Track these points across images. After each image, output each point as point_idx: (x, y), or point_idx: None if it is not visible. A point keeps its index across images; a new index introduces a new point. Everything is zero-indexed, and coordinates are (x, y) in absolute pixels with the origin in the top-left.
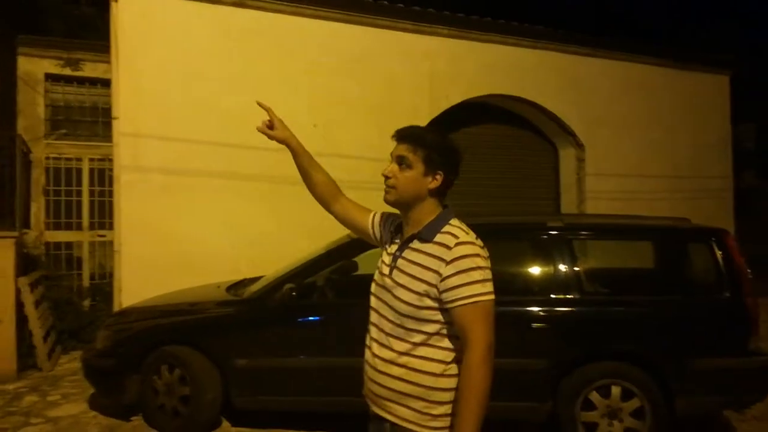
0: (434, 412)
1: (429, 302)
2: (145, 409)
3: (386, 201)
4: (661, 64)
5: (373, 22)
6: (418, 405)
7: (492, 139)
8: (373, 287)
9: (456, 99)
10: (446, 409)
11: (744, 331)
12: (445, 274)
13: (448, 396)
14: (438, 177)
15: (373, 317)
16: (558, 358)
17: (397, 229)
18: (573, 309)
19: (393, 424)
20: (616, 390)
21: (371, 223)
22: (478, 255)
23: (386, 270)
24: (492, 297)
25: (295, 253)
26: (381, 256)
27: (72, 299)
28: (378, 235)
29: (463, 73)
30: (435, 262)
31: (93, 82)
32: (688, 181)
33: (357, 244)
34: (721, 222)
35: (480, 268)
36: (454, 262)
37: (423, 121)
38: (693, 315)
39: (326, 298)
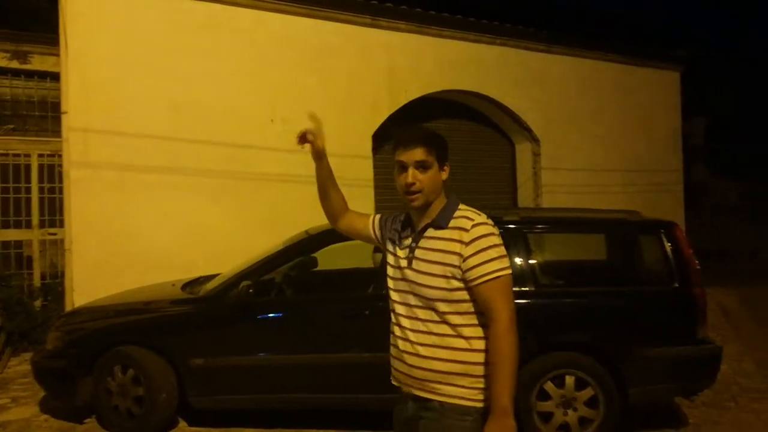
0: (480, 385)
1: (456, 284)
2: (99, 410)
3: (415, 207)
4: (615, 60)
5: (331, 17)
6: (466, 381)
7: (450, 134)
8: (391, 283)
9: (415, 94)
10: (485, 381)
11: (692, 320)
12: (465, 255)
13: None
14: (446, 169)
15: (400, 309)
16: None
17: (405, 225)
18: (528, 301)
19: (442, 403)
20: (570, 380)
21: (372, 226)
22: (492, 234)
23: (404, 263)
24: (509, 271)
25: (252, 249)
26: (391, 252)
27: (22, 299)
28: (379, 235)
29: (422, 68)
30: (455, 245)
31: (42, 75)
32: (641, 175)
33: (315, 240)
34: (672, 214)
35: (496, 245)
36: (473, 242)
37: (383, 116)
38: (644, 305)
39: (285, 294)
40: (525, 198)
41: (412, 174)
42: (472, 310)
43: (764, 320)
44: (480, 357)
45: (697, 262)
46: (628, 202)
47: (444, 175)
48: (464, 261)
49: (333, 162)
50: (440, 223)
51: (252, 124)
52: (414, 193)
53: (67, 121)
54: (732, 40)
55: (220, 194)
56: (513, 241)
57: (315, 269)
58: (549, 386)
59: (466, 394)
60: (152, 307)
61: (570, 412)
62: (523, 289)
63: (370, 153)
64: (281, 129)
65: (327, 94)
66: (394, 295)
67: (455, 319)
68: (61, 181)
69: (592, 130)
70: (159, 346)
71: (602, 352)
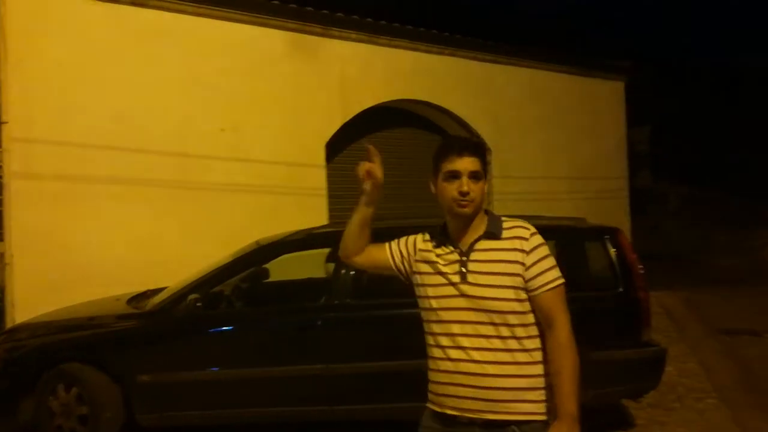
0: (544, 398)
1: (522, 294)
2: (41, 431)
3: (465, 215)
4: (563, 71)
5: (282, 26)
6: (534, 395)
7: (404, 143)
8: (437, 303)
9: (368, 103)
10: (546, 394)
11: (637, 323)
12: (528, 264)
13: (547, 380)
14: (487, 181)
15: (456, 328)
16: None
17: (440, 242)
18: None
19: (520, 423)
20: None
21: (390, 255)
22: (546, 243)
23: (456, 278)
24: (563, 279)
25: (202, 261)
26: (430, 272)
27: None
28: (399, 259)
29: (373, 77)
30: (516, 254)
31: None
32: (589, 182)
33: (267, 251)
34: (618, 220)
35: (550, 254)
36: (534, 251)
37: (336, 125)
38: (591, 310)
39: (235, 307)
40: None
41: (467, 184)
42: (533, 321)
43: (707, 321)
44: (541, 369)
45: (641, 266)
46: (576, 208)
47: (486, 186)
48: (527, 270)
49: (285, 171)
50: (495, 235)
51: (201, 133)
52: (468, 201)
53: (7, 131)
54: (674, 51)
55: (168, 205)
56: None
57: (267, 280)
58: None
59: (536, 408)
60: (96, 323)
61: None
62: None
63: (323, 162)
64: (232, 138)
65: (278, 103)
66: (443, 315)
67: (520, 332)
68: (1, 192)
69: (540, 138)
70: (104, 363)
71: None
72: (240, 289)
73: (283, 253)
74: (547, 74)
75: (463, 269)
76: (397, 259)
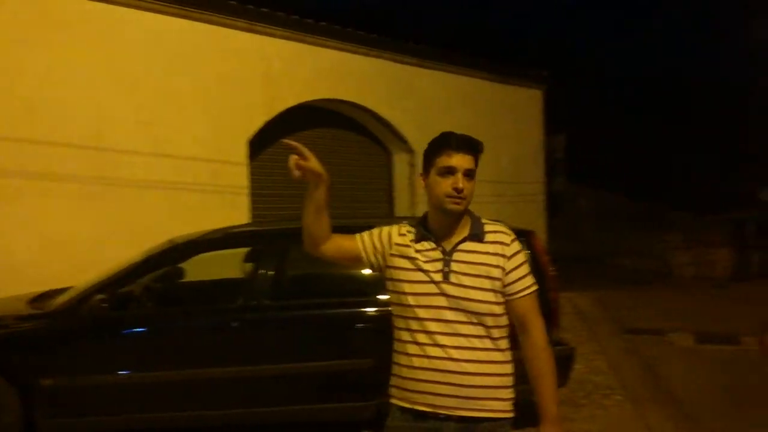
0: (513, 395)
1: (500, 297)
2: None
3: (457, 212)
4: (486, 77)
5: (205, 18)
6: (506, 393)
7: (329, 142)
8: (415, 300)
9: (292, 101)
10: (514, 392)
11: (547, 323)
12: (508, 269)
13: (514, 380)
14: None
15: (434, 326)
16: (385, 356)
17: (419, 238)
18: None
19: (493, 420)
20: None
21: (362, 246)
22: (524, 249)
23: (437, 277)
24: (537, 285)
25: (116, 260)
26: (408, 268)
27: None
28: (372, 251)
29: (298, 75)
30: (497, 258)
31: None
32: (509, 186)
33: (181, 250)
34: (536, 223)
35: (527, 261)
36: (514, 257)
37: (259, 122)
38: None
39: (146, 307)
40: (401, 207)
41: (462, 181)
42: (506, 323)
43: (616, 320)
44: (511, 368)
45: (552, 268)
46: (498, 211)
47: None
48: (506, 274)
49: (205, 168)
50: (479, 237)
51: (117, 127)
52: (461, 198)
53: None
54: (588, 63)
55: (81, 201)
56: None
57: (181, 280)
58: None
59: (506, 406)
60: None
61: None
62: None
63: (246, 159)
64: (150, 132)
65: (199, 98)
66: (421, 312)
67: (495, 333)
68: None
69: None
70: (2, 366)
71: None
72: (152, 289)
73: (199, 253)
74: (471, 80)
75: (446, 269)
76: (369, 251)
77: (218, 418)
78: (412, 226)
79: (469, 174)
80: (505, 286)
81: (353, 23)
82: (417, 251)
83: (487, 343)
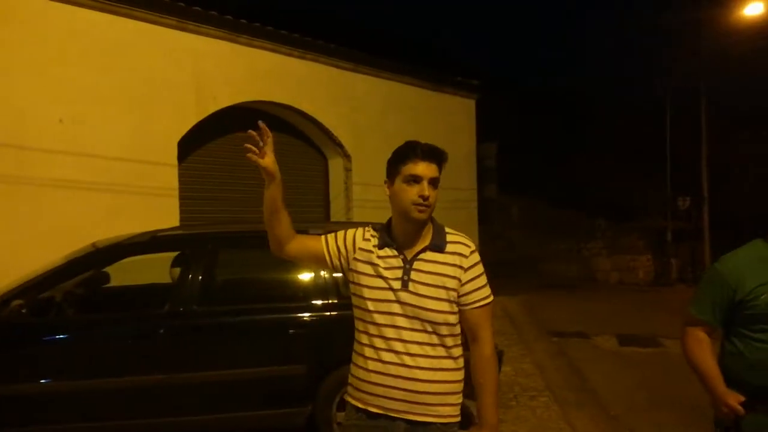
0: (460, 401)
1: (455, 307)
2: None
3: (422, 219)
4: (420, 85)
5: (133, 14)
6: (454, 399)
7: None
8: (376, 305)
9: (224, 102)
10: (461, 398)
11: None
12: (464, 280)
13: (463, 388)
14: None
15: (390, 332)
16: (319, 362)
17: (382, 244)
18: (331, 313)
19: (442, 425)
20: None
21: (326, 248)
22: (481, 261)
23: (396, 285)
24: (492, 297)
25: (32, 264)
26: (369, 274)
27: None
28: (335, 254)
29: (232, 76)
30: (454, 269)
31: None
32: (442, 193)
33: (105, 254)
34: (468, 229)
35: (484, 272)
36: (471, 269)
37: (190, 123)
38: None
39: (68, 314)
40: (337, 212)
41: (428, 189)
42: (459, 331)
43: (543, 323)
44: (462, 375)
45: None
46: (436, 217)
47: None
48: (462, 285)
49: (132, 168)
50: (440, 247)
51: (37, 124)
52: (426, 206)
53: None
54: (518, 74)
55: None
56: None
57: (106, 285)
58: None
59: (454, 411)
60: None
61: None
62: (326, 301)
63: (175, 161)
64: (73, 131)
65: (126, 96)
66: (379, 318)
67: (449, 341)
68: None
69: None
70: None
71: None
72: (74, 294)
73: (124, 257)
74: (405, 87)
75: (405, 277)
76: (333, 254)
77: (144, 429)
78: (376, 231)
79: (434, 182)
80: (460, 296)
81: (288, 25)
82: (379, 257)
83: (440, 351)
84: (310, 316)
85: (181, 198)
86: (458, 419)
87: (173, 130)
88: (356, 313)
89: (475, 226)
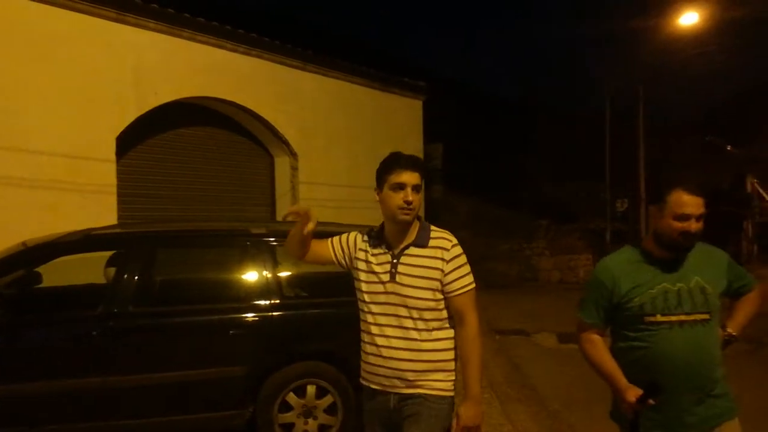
0: (451, 378)
1: (439, 295)
2: None
3: (406, 221)
4: (367, 85)
5: (68, 5)
6: (441, 376)
7: (208, 142)
8: (368, 297)
9: (166, 97)
10: (454, 374)
11: None
12: (446, 271)
13: (455, 364)
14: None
15: (382, 320)
16: (260, 363)
17: (375, 243)
18: (273, 314)
19: (424, 395)
20: (311, 389)
21: (333, 250)
22: (464, 253)
23: (385, 278)
24: (474, 284)
25: None
26: (364, 270)
27: None
28: (341, 255)
29: (174, 71)
30: (437, 262)
31: None
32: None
33: (36, 253)
34: None
35: (467, 263)
36: (453, 260)
37: (129, 117)
38: None
39: None
40: (283, 211)
41: (411, 194)
42: (445, 316)
43: (486, 321)
44: (450, 355)
45: None
46: (378, 217)
47: (422, 199)
48: (445, 275)
49: (68, 164)
50: (422, 243)
51: None
52: (410, 210)
53: None
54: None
55: None
56: (259, 254)
57: (38, 286)
58: (291, 397)
59: (443, 386)
60: None
61: (310, 420)
62: (269, 302)
63: (113, 156)
64: (3, 123)
65: (60, 88)
66: (373, 307)
67: (434, 325)
68: None
69: (347, 148)
70: None
71: (343, 360)
72: (4, 295)
73: (57, 256)
74: (353, 87)
75: (393, 270)
76: (339, 255)
77: None
78: (371, 233)
79: (417, 188)
80: (444, 285)
81: (234, 21)
82: (372, 255)
83: (425, 335)
84: (251, 317)
85: (120, 195)
86: (448, 394)
87: (111, 125)
88: (359, 305)
89: None
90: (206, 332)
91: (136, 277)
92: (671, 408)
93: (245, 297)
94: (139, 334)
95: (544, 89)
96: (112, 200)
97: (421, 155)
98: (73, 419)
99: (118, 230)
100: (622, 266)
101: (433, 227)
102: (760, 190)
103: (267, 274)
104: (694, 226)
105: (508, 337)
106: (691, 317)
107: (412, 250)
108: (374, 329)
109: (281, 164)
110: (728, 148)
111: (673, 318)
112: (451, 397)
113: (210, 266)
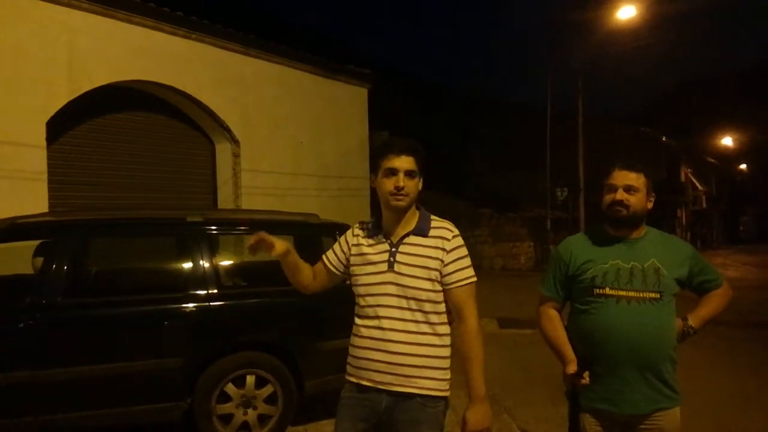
0: (447, 377)
1: (438, 286)
2: None
3: (400, 207)
4: (313, 72)
5: None
6: (437, 374)
7: (145, 128)
8: (367, 288)
9: (101, 81)
10: (449, 373)
11: None
12: (446, 261)
13: (450, 363)
14: (421, 180)
15: (380, 311)
16: (197, 354)
17: (372, 233)
18: (211, 304)
19: (423, 397)
20: (250, 379)
21: (328, 265)
22: (464, 245)
23: (383, 267)
24: (475, 278)
25: None
26: (361, 263)
27: None
28: (338, 263)
29: (109, 54)
30: (437, 251)
31: None
32: (334, 180)
33: None
34: (360, 216)
35: (467, 255)
36: (454, 251)
37: (61, 101)
38: (320, 302)
39: None
40: (225, 199)
41: (402, 179)
42: (443, 310)
43: None
44: (448, 351)
45: None
46: (321, 205)
47: (420, 185)
48: (445, 266)
49: None
50: (423, 232)
51: None
52: (403, 195)
53: None
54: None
55: None
56: (196, 243)
57: None
58: (230, 388)
59: (438, 385)
60: None
61: (250, 411)
62: (206, 292)
63: (43, 142)
64: None
65: None
66: (369, 299)
67: (434, 318)
68: None
69: (291, 135)
70: None
71: (283, 350)
72: None
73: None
74: (297, 73)
75: (392, 259)
76: (336, 265)
77: (9, 427)
78: (365, 224)
79: (410, 174)
80: (443, 276)
81: (171, 3)
82: (369, 245)
83: (423, 327)
84: (188, 308)
85: (51, 182)
86: (444, 394)
87: (41, 108)
88: (356, 299)
89: (368, 213)
90: (140, 323)
91: (65, 267)
92: (614, 381)
93: (182, 287)
94: (70, 326)
95: (487, 80)
96: (43, 187)
97: (366, 143)
98: (2, 415)
99: (47, 218)
100: (581, 243)
101: (434, 217)
102: (694, 180)
103: (204, 263)
104: (620, 195)
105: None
106: (641, 294)
107: (412, 239)
108: (370, 321)
109: (222, 151)
110: (663, 139)
111: (622, 293)
112: (445, 397)
113: (145, 256)
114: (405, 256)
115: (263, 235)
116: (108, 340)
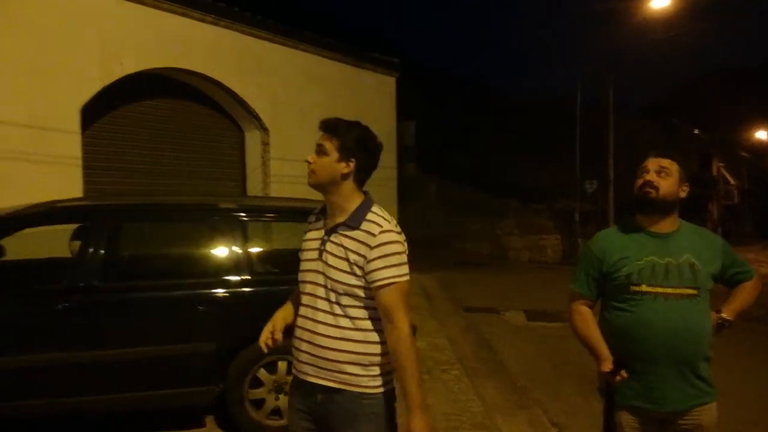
0: (373, 372)
1: (358, 282)
2: None
3: (309, 183)
4: (340, 60)
5: None
6: (359, 370)
7: (175, 115)
8: (303, 275)
9: (132, 68)
10: (380, 369)
11: None
12: (369, 258)
13: (383, 359)
14: (351, 164)
15: (307, 300)
16: (230, 339)
17: (319, 217)
18: (245, 290)
19: (353, 393)
20: (282, 365)
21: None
22: (397, 242)
23: (314, 255)
24: (408, 278)
25: None
26: (305, 240)
27: None
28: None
29: (140, 40)
30: (362, 246)
31: None
32: None
33: (2, 224)
34: (389, 207)
35: (398, 253)
36: (378, 247)
37: (94, 88)
38: None
39: None
40: (254, 186)
41: (311, 154)
42: (371, 305)
43: (456, 300)
44: (374, 348)
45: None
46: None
47: (345, 169)
48: (367, 263)
49: (27, 135)
50: (353, 224)
51: None
52: (309, 172)
53: None
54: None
55: None
56: (229, 229)
57: (1, 259)
58: (262, 373)
59: (364, 381)
60: None
61: (281, 396)
62: (238, 278)
63: (78, 128)
64: None
65: (17, 55)
66: (303, 287)
67: (354, 312)
68: None
69: (317, 123)
70: None
71: None
72: None
73: (20, 229)
74: (325, 61)
75: (322, 248)
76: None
77: (45, 408)
78: (318, 210)
79: (320, 150)
80: (366, 273)
81: None
82: (311, 230)
83: (342, 321)
84: (220, 293)
85: (85, 168)
86: (374, 391)
87: (75, 95)
88: None
89: (395, 204)
90: (174, 307)
91: (102, 251)
92: (652, 378)
93: (214, 272)
94: (106, 309)
95: (518, 72)
96: (78, 172)
97: (394, 133)
98: (37, 396)
99: (84, 203)
100: (613, 238)
101: (374, 209)
102: (726, 174)
103: (237, 249)
104: (651, 176)
105: (478, 314)
106: (677, 291)
107: (342, 229)
108: (303, 311)
109: (252, 139)
110: (695, 132)
111: (659, 290)
112: (374, 394)
113: (178, 241)
114: (333, 246)
115: (267, 337)
116: (142, 323)
